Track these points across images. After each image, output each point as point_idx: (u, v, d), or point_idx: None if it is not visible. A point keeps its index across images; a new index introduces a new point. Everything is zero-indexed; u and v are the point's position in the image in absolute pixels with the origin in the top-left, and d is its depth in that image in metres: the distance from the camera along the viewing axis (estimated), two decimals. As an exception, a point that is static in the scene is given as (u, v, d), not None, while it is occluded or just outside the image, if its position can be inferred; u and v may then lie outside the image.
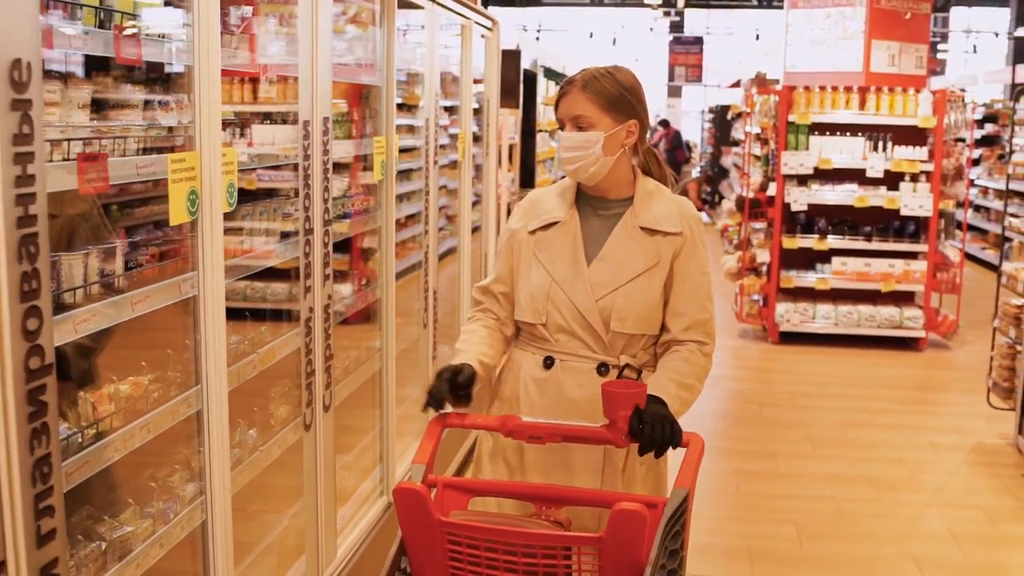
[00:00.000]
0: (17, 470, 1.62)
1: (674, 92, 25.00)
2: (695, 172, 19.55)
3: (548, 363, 2.50)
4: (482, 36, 5.40)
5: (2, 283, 1.55)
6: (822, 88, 8.33)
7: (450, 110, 5.31)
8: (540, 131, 11.10)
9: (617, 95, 2.43)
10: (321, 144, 2.93)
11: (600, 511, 2.37)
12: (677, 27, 23.99)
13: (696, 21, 24.77)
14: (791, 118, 8.30)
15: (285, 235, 3.20)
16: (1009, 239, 7.17)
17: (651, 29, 22.23)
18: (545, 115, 11.55)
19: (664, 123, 18.93)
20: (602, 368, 2.46)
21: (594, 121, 2.41)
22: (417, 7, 4.10)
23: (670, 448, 2.16)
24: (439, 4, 4.32)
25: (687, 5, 21.45)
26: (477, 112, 5.54)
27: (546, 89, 11.66)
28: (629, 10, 23.45)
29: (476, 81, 5.43)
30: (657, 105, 23.77)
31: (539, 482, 2.43)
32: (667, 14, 21.42)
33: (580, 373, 2.47)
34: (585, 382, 2.45)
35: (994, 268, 12.27)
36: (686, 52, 21.74)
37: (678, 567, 1.99)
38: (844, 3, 8.67)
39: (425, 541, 2.00)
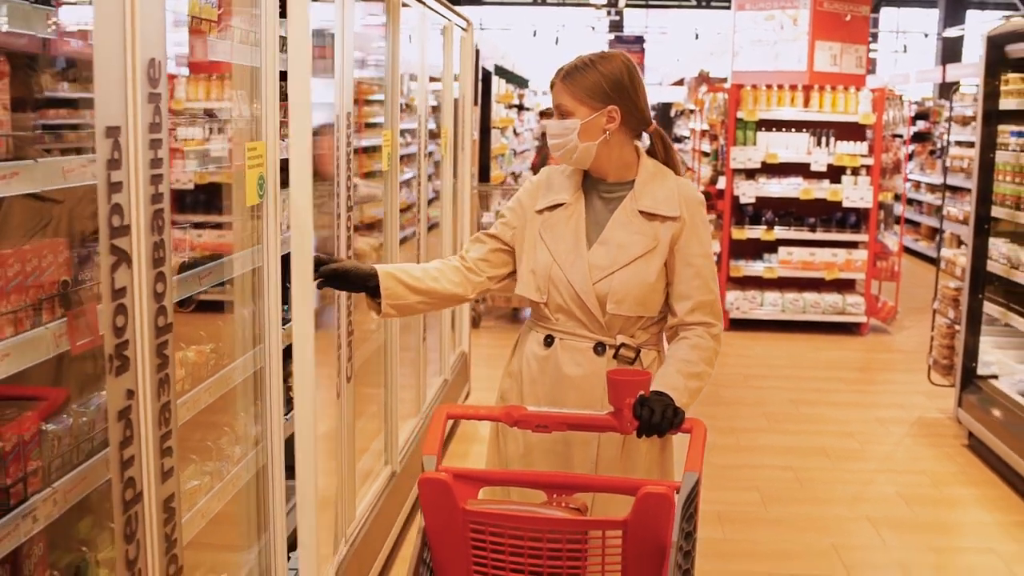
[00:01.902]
0: (150, 413, 1.88)
1: (615, 90, 25.27)
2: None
3: (548, 341, 2.59)
4: (459, 37, 5.70)
5: (142, 252, 1.82)
6: (768, 86, 8.75)
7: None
8: (494, 128, 11.41)
9: (594, 84, 2.49)
10: (346, 137, 3.21)
11: (594, 496, 2.47)
12: (617, 26, 24.43)
13: (635, 20, 25.26)
14: (739, 115, 8.71)
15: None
16: (942, 231, 7.64)
17: (593, 28, 22.61)
18: (497, 113, 11.85)
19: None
20: (599, 348, 2.54)
21: (572, 109, 2.50)
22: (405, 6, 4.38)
23: (671, 431, 2.23)
24: (426, 5, 4.61)
25: (627, 5, 21.87)
26: (435, 109, 5.73)
27: (498, 87, 11.96)
28: (570, 9, 23.85)
29: (433, 79, 5.67)
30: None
31: (546, 463, 2.53)
32: (609, 13, 21.81)
33: (577, 352, 2.55)
34: (582, 360, 2.54)
35: (927, 259, 12.86)
36: (627, 51, 22.10)
37: (692, 548, 2.08)
38: (789, 5, 9.09)
39: (449, 530, 2.04)
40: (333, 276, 2.54)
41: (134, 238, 1.78)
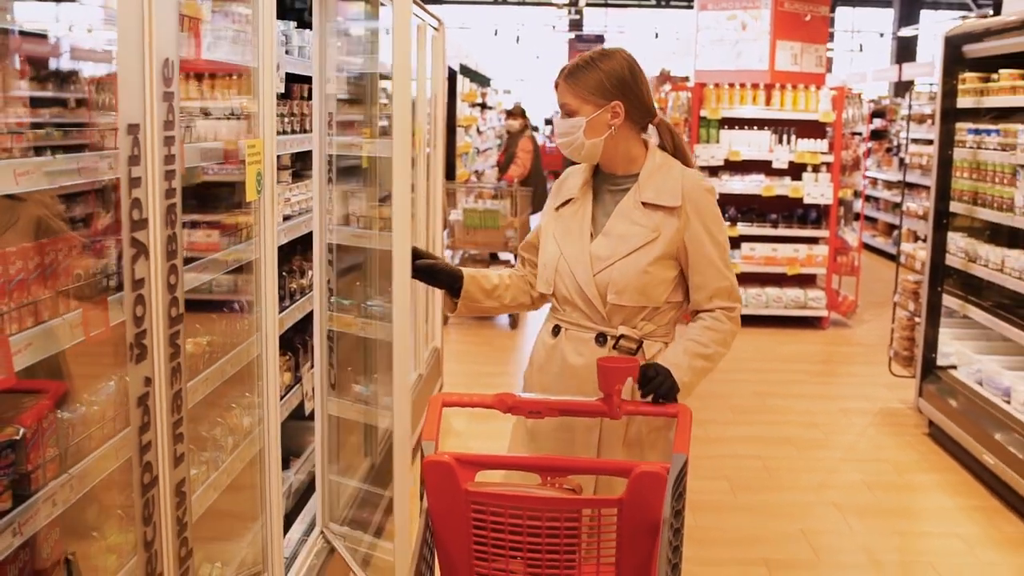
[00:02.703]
0: (165, 401, 1.96)
1: (575, 89, 25.42)
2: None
3: (555, 331, 2.70)
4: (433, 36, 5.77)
5: (157, 245, 1.89)
6: (731, 85, 8.91)
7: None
8: (459, 126, 11.48)
9: (596, 81, 2.54)
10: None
11: (596, 479, 2.59)
12: (576, 25, 24.59)
13: (595, 20, 25.43)
14: (703, 113, 8.86)
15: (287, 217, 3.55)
16: (901, 227, 7.82)
17: (553, 27, 22.75)
18: (462, 111, 11.91)
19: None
20: (600, 338, 2.61)
21: (576, 108, 2.56)
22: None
23: (662, 402, 2.38)
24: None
25: (587, 4, 22.02)
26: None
27: (462, 86, 12.03)
28: (529, 8, 23.96)
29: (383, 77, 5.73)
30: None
31: (549, 448, 2.63)
32: (569, 12, 21.95)
33: (580, 342, 2.64)
34: (584, 351, 2.62)
35: (884, 254, 13.10)
36: (587, 50, 22.26)
37: (681, 525, 2.19)
38: (751, 6, 9.25)
39: (451, 511, 2.12)
40: (428, 271, 2.76)
41: (151, 231, 1.85)
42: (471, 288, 2.78)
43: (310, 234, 3.62)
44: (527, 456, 2.53)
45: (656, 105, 2.77)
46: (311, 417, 3.95)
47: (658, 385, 2.39)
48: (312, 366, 4.02)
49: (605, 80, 2.55)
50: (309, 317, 3.94)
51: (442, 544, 2.15)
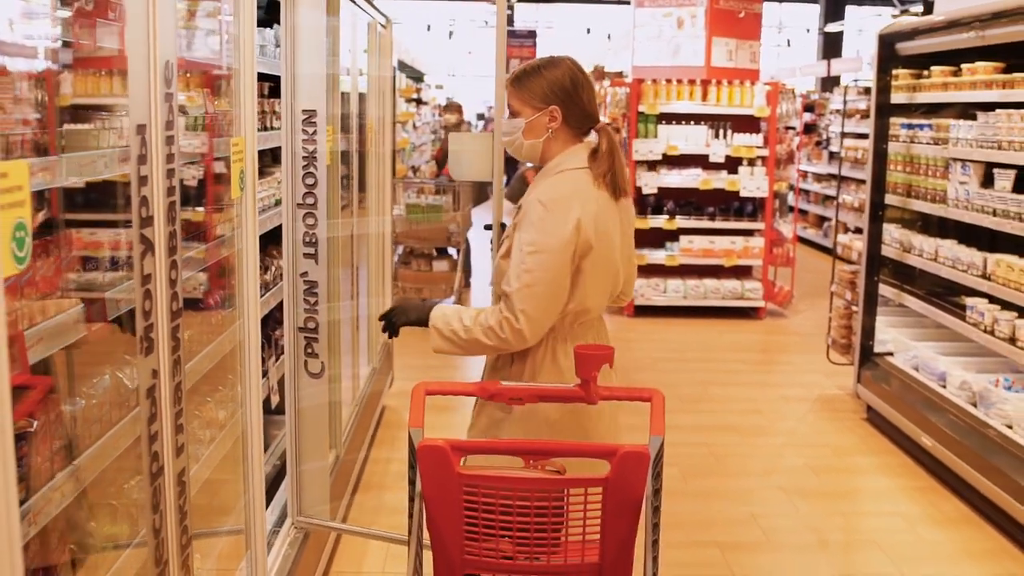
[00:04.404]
0: (169, 392, 2.01)
1: (509, 84, 25.56)
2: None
3: None
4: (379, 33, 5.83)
5: (160, 241, 1.95)
6: (668, 81, 9.07)
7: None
8: (397, 122, 11.51)
9: (537, 87, 2.70)
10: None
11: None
12: (508, 20, 24.69)
13: (526, 15, 25.58)
14: (641, 109, 9.01)
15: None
16: (837, 219, 8.06)
17: (486, 23, 22.83)
18: (399, 107, 11.93)
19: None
20: None
21: (518, 110, 2.74)
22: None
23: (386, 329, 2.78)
24: (355, 4, 4.75)
25: (519, 0, 22.18)
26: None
27: (399, 81, 12.06)
28: (460, 4, 24.02)
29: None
30: (490, 98, 24.37)
31: (514, 434, 2.71)
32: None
33: None
34: None
35: (815, 246, 13.43)
36: (520, 45, 22.39)
37: (659, 503, 2.37)
38: (687, 3, 9.43)
39: (445, 494, 2.19)
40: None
41: (156, 228, 1.91)
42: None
43: (275, 229, 3.68)
44: (513, 440, 2.61)
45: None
46: (277, 411, 4.01)
47: (389, 315, 2.75)
48: (276, 360, 4.08)
49: (546, 86, 2.71)
50: (270, 314, 4.00)
51: (435, 525, 2.23)
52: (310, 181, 3.43)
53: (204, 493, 2.86)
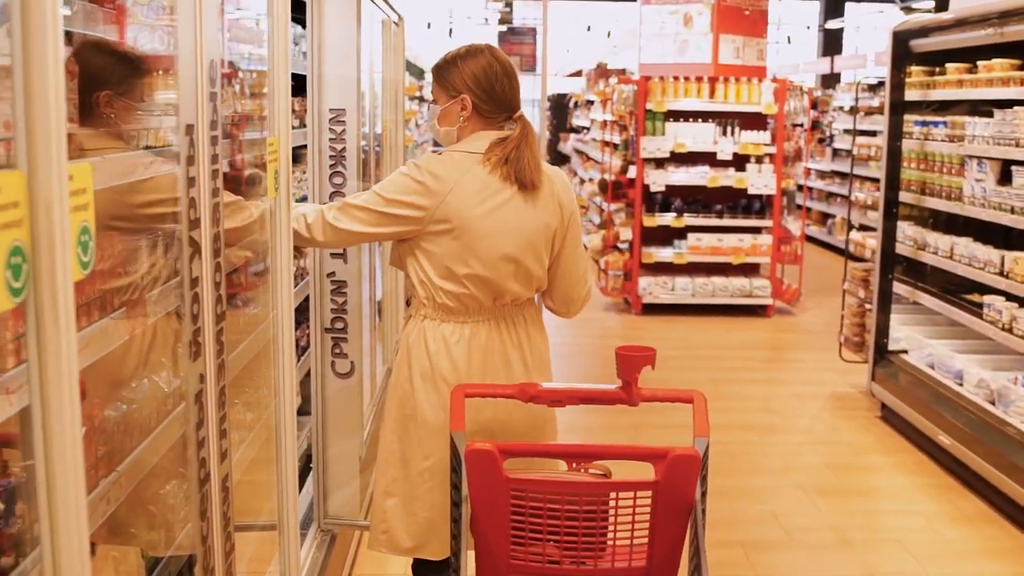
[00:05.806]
0: (213, 372, 1.98)
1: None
2: None
3: None
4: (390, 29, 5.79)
5: (206, 242, 1.92)
6: (675, 79, 9.05)
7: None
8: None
9: (451, 76, 2.80)
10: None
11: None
12: (505, 17, 24.62)
13: (526, 13, 25.52)
14: (648, 106, 8.99)
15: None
16: (850, 216, 8.04)
17: (486, 20, 22.80)
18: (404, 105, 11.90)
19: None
20: None
21: (436, 98, 2.86)
22: None
23: None
24: (373, 1, 4.71)
25: (517, -3, 22.11)
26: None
27: (405, 80, 12.01)
28: (461, 1, 23.97)
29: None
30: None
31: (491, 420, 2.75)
32: (505, 5, 22.00)
33: None
34: None
35: (820, 243, 13.41)
36: (520, 43, 22.38)
37: (705, 506, 2.34)
38: (693, 0, 9.40)
39: (492, 498, 2.19)
40: None
41: (203, 230, 1.88)
42: None
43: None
44: (557, 444, 2.60)
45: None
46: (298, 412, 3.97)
47: None
48: (298, 361, 4.05)
49: (459, 76, 2.79)
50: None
51: (480, 529, 2.21)
52: (338, 180, 3.40)
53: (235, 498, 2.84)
